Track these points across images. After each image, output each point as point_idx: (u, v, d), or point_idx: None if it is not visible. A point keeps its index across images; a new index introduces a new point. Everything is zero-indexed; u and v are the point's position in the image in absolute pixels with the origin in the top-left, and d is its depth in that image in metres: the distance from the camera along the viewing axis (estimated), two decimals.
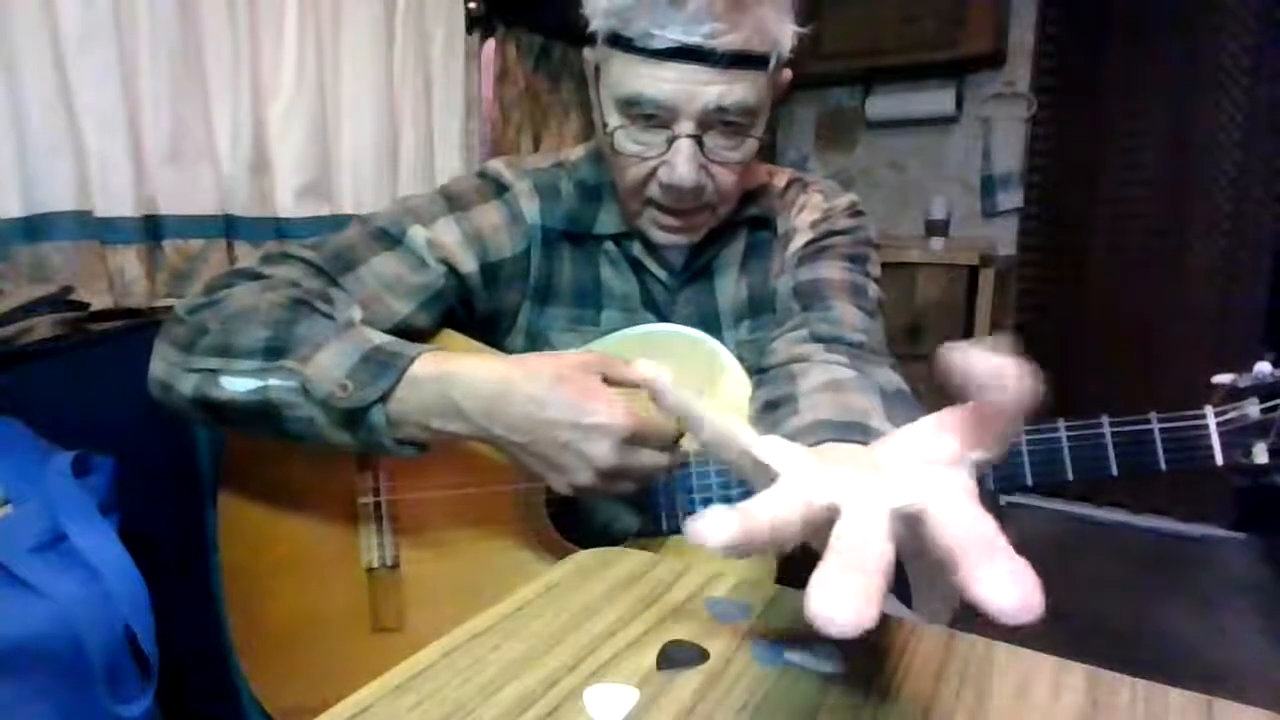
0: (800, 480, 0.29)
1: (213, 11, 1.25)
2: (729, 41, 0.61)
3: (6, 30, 1.02)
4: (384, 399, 0.58)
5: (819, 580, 0.22)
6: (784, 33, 0.65)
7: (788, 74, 0.70)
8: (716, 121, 0.65)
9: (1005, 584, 0.22)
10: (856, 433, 0.48)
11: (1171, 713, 0.38)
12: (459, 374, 0.58)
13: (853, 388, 0.57)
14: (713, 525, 0.25)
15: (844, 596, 0.22)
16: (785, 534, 0.27)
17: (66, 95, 1.07)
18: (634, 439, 0.57)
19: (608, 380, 0.61)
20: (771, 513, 0.27)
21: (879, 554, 0.24)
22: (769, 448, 0.32)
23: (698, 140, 0.65)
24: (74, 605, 0.63)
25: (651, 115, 0.65)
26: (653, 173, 0.68)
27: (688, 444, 0.63)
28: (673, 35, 0.61)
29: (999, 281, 2.31)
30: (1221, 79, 2.15)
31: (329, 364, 0.58)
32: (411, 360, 0.59)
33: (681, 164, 0.65)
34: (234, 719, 0.73)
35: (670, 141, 0.65)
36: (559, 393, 0.57)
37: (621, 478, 0.59)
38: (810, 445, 0.46)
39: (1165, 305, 2.29)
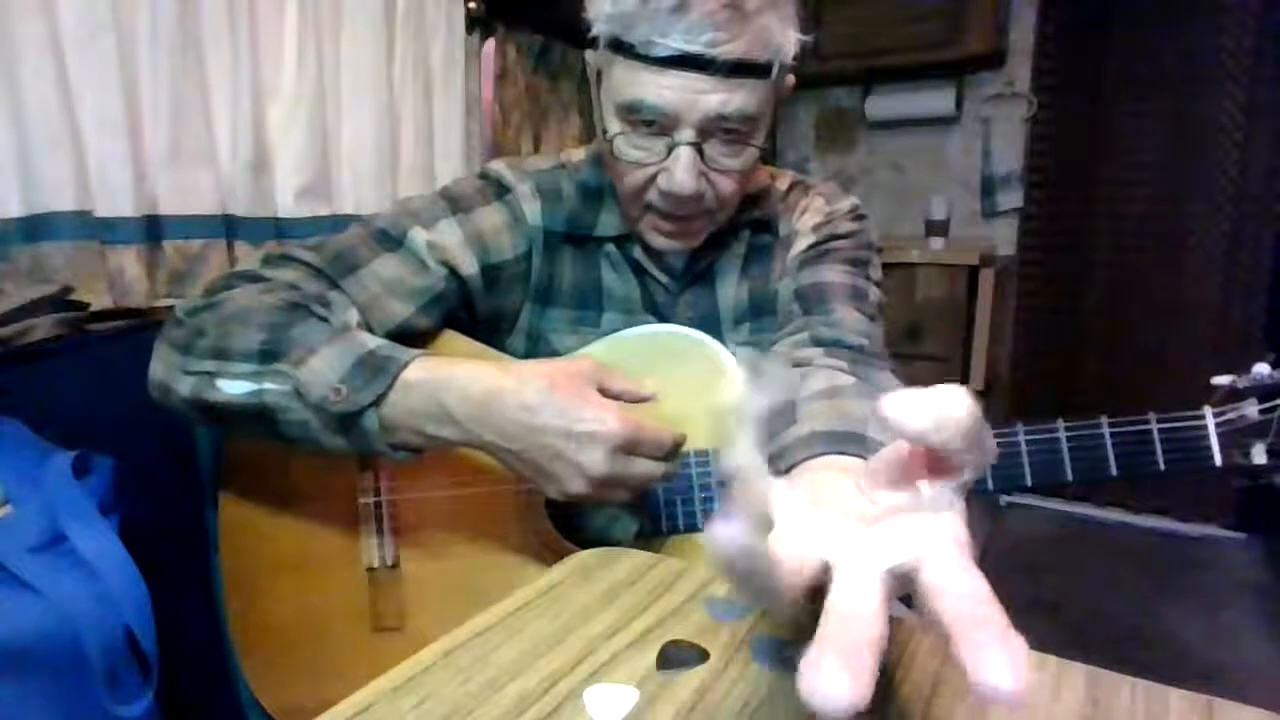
0: (795, 537, 0.29)
1: (213, 11, 1.25)
2: (730, 50, 0.61)
3: (6, 29, 1.02)
4: (377, 403, 0.58)
5: (812, 663, 0.23)
6: (787, 40, 0.64)
7: (791, 80, 0.70)
8: (717, 129, 0.65)
9: (1003, 670, 0.22)
10: (853, 444, 0.48)
11: (1171, 713, 0.38)
12: (451, 379, 0.58)
13: (851, 395, 0.57)
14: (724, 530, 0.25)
15: (837, 679, 0.22)
16: (785, 581, 0.27)
17: (66, 95, 1.07)
18: (628, 447, 0.57)
19: (604, 391, 0.60)
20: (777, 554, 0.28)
21: (871, 626, 0.24)
22: (774, 495, 0.32)
23: (698, 148, 0.64)
24: (74, 605, 0.63)
25: (652, 122, 0.64)
26: (652, 179, 0.68)
27: (687, 448, 0.63)
28: (674, 43, 0.60)
29: (999, 281, 2.31)
30: (1221, 79, 2.15)
31: (323, 368, 0.58)
32: (404, 365, 0.58)
33: (681, 172, 0.65)
34: (234, 719, 0.73)
35: (670, 148, 0.65)
36: (551, 400, 0.57)
37: (615, 486, 0.58)
38: (807, 459, 0.46)
39: (1165, 305, 2.29)
